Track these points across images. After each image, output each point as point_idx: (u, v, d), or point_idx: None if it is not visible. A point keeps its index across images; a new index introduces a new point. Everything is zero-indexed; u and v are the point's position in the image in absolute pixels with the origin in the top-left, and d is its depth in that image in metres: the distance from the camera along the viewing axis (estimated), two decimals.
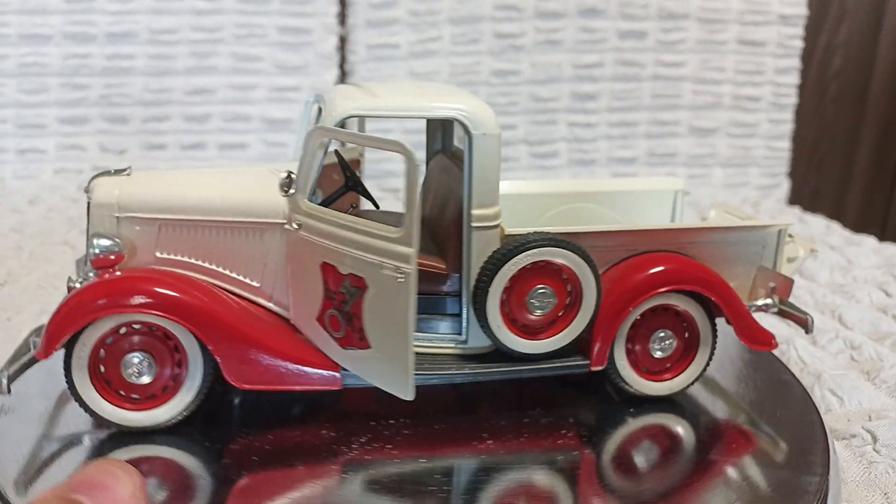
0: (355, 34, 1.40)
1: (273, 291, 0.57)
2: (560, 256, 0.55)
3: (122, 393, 0.54)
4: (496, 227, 0.54)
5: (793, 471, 0.52)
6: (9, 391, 0.51)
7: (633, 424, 0.58)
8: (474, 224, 0.54)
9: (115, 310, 0.51)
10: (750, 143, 1.54)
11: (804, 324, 0.61)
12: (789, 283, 0.62)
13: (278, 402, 0.58)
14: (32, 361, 0.53)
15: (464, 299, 0.56)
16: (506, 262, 0.54)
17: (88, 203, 0.55)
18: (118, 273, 0.54)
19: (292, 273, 0.55)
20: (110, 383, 0.53)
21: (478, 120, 0.52)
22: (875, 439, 0.61)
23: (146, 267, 0.55)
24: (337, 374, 0.54)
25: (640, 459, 0.54)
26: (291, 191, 0.54)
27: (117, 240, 0.54)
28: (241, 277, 0.57)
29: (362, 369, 0.53)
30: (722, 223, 0.65)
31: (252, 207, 0.55)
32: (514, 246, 0.54)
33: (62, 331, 0.51)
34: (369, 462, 0.52)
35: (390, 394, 0.51)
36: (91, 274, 0.54)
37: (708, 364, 0.60)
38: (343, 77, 1.45)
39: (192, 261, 0.56)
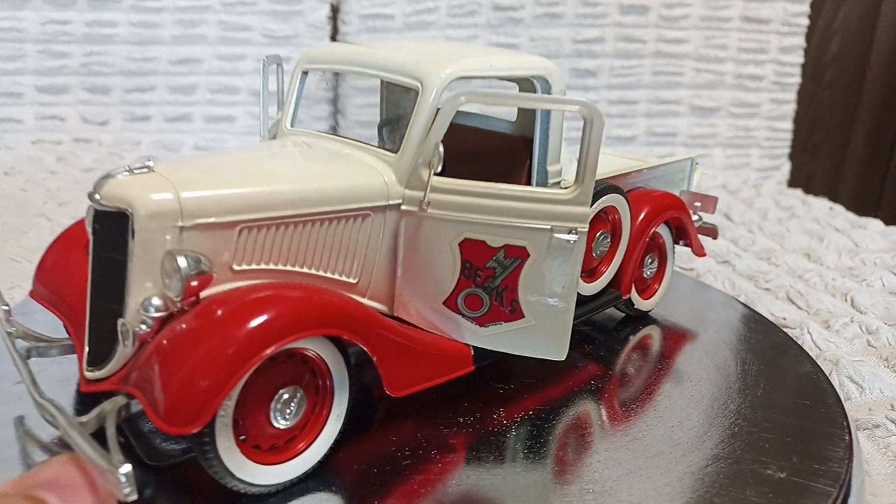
0: (348, 4, 1.35)
1: (370, 286, 0.50)
2: (615, 201, 0.60)
3: (259, 447, 0.42)
4: (559, 182, 0.55)
5: (813, 460, 0.49)
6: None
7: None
8: (551, 180, 0.54)
9: (277, 342, 0.39)
10: (751, 124, 1.50)
11: (713, 233, 0.74)
12: (713, 199, 0.73)
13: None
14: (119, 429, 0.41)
15: None
16: None
17: (109, 213, 0.41)
18: (221, 297, 0.41)
19: (407, 259, 0.50)
20: (245, 439, 0.41)
21: (555, 77, 0.54)
22: None
23: (229, 286, 0.43)
24: (468, 357, 0.51)
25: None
26: (438, 169, 0.47)
27: (203, 257, 0.40)
28: (335, 276, 0.49)
29: (505, 342, 0.51)
30: (660, 160, 0.73)
31: (355, 193, 0.47)
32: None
33: (214, 393, 0.37)
34: (483, 436, 0.49)
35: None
36: (156, 310, 0.40)
37: (670, 276, 0.71)
38: None
39: (279, 267, 0.46)
